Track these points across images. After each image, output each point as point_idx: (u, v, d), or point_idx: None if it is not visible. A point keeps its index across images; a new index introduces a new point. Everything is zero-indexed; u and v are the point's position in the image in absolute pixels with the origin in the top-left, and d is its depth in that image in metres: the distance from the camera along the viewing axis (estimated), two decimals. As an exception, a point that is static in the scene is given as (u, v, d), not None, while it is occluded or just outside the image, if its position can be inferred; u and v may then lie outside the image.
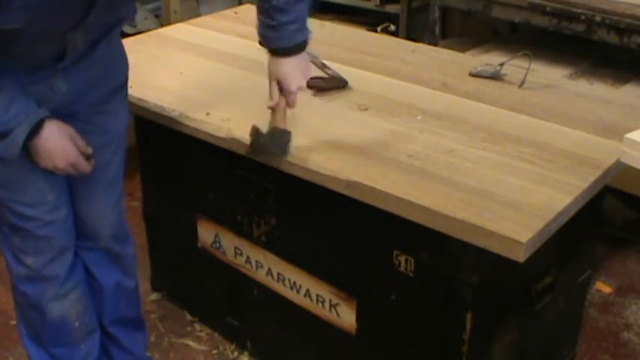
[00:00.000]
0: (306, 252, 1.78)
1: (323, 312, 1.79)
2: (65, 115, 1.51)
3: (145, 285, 2.26)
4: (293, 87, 1.55)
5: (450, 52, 2.31)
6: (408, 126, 1.71)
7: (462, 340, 1.50)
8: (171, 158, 2.06)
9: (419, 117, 1.76)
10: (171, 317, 2.28)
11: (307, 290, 1.80)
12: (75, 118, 1.54)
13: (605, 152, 1.59)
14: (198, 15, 3.29)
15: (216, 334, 2.20)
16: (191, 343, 2.18)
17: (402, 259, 1.54)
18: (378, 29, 3.42)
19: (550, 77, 2.27)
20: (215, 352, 2.14)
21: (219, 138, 1.72)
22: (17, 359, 2.11)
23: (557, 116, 1.76)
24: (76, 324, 1.75)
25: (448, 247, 1.43)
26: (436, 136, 1.67)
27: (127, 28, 3.09)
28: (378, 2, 3.44)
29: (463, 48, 2.87)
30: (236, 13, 2.62)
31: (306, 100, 1.78)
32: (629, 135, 1.33)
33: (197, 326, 2.24)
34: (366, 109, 1.80)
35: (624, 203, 2.69)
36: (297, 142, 1.61)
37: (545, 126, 1.72)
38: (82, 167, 1.53)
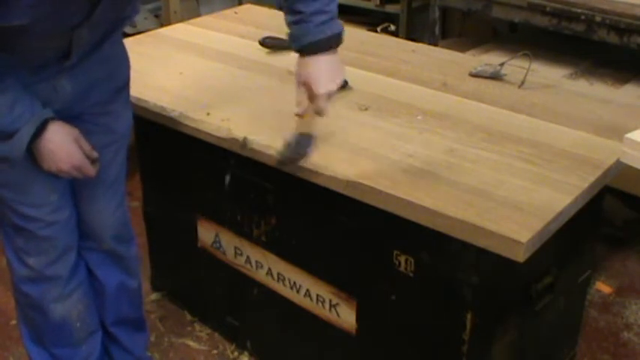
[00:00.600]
0: (306, 252, 1.78)
1: (323, 312, 1.79)
2: (70, 116, 1.50)
3: (145, 285, 2.25)
4: (321, 90, 1.43)
5: (450, 52, 2.31)
6: (408, 126, 1.71)
7: (462, 340, 1.50)
8: (171, 158, 2.06)
9: (419, 117, 1.76)
10: (171, 317, 2.28)
11: (307, 290, 1.80)
12: (80, 120, 1.54)
13: (605, 152, 1.59)
14: (198, 15, 3.28)
15: (216, 334, 2.20)
16: (191, 343, 2.18)
17: (402, 259, 1.54)
18: (378, 29, 3.41)
19: (550, 77, 2.27)
20: (215, 352, 2.14)
21: (219, 138, 1.72)
22: (17, 359, 2.11)
23: (557, 116, 1.76)
24: (78, 324, 1.74)
25: (448, 247, 1.43)
26: (436, 136, 1.67)
27: (127, 28, 3.06)
28: (378, 2, 3.44)
29: (463, 48, 2.87)
30: (236, 13, 2.62)
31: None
32: (629, 135, 1.33)
33: (197, 326, 2.24)
34: (366, 109, 1.80)
35: (624, 203, 2.69)
36: (297, 142, 1.62)
37: (545, 126, 1.72)
38: (87, 171, 1.52)
